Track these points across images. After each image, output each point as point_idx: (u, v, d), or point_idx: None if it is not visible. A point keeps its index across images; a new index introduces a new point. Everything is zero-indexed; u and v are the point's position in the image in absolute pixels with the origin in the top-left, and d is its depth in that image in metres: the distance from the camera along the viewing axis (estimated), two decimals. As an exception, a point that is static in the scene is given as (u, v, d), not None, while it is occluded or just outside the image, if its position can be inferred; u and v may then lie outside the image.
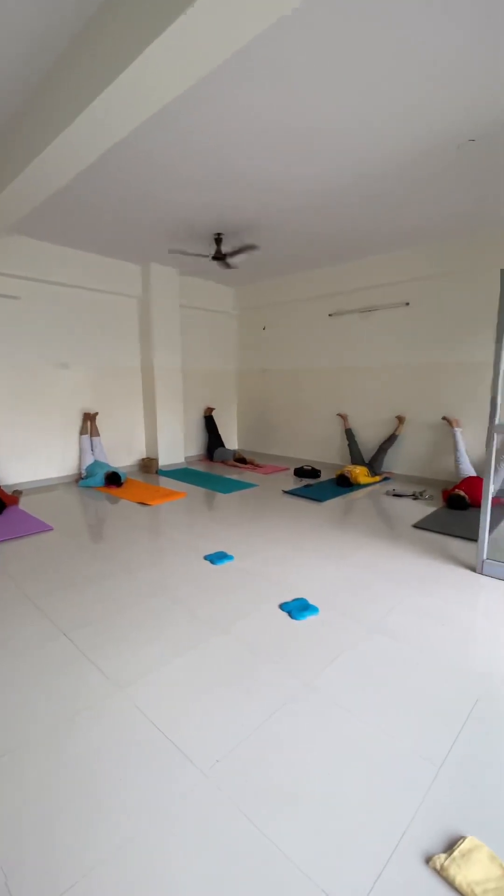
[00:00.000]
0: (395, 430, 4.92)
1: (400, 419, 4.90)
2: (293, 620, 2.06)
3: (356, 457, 5.15)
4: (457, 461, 4.28)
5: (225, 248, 4.38)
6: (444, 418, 4.60)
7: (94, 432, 5.00)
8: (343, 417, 5.45)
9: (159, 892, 0.97)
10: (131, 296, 5.23)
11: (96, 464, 4.82)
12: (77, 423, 5.00)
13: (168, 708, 1.52)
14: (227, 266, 4.30)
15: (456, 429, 4.41)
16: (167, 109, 2.24)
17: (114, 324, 5.23)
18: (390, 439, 4.91)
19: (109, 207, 3.52)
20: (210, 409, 6.42)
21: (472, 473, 4.14)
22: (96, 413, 5.07)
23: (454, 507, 3.75)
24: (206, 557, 2.77)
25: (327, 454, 5.69)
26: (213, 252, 4.26)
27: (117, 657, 1.80)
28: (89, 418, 4.99)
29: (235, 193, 3.28)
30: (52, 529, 3.33)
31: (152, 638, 1.93)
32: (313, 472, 5.10)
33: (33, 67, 2.09)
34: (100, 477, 4.57)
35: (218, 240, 4.15)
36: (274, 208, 3.55)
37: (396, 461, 5.01)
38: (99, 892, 0.97)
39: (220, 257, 4.17)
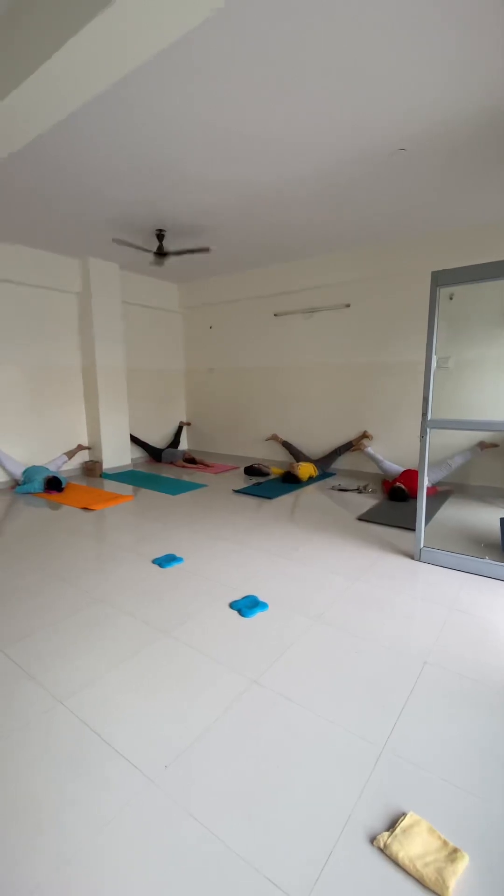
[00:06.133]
0: (355, 441, 4.96)
1: (365, 435, 4.93)
2: (243, 618, 2.06)
3: (300, 456, 5.27)
4: (383, 469, 4.57)
5: (170, 244, 4.31)
6: (353, 449, 4.90)
7: None
8: (274, 438, 5.63)
9: (103, 911, 0.94)
10: (70, 291, 5.00)
11: (34, 469, 4.55)
12: (12, 425, 4.69)
13: (113, 717, 1.46)
14: (159, 263, 4.20)
15: (366, 449, 4.75)
16: (100, 101, 2.17)
17: (51, 321, 4.96)
18: (346, 445, 5.02)
19: (43, 199, 3.34)
20: (185, 423, 6.70)
21: (400, 470, 4.38)
22: None
23: (395, 499, 3.93)
24: (154, 561, 2.70)
25: (278, 452, 5.76)
26: (155, 248, 4.16)
27: (58, 669, 1.70)
28: None
29: (174, 190, 3.23)
30: (-15, 540, 3.11)
31: (96, 646, 1.85)
32: (263, 471, 5.14)
33: None
34: (38, 482, 4.32)
35: (160, 236, 4.07)
36: (214, 207, 3.53)
37: (342, 457, 5.16)
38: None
39: (162, 253, 4.09)
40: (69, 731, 1.41)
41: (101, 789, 1.21)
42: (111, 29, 1.48)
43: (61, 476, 4.46)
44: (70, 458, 5.11)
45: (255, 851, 1.04)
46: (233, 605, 2.17)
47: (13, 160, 2.72)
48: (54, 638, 1.92)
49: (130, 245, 3.88)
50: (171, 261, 4.92)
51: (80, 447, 5.28)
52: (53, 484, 4.30)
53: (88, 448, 5.39)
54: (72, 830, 1.10)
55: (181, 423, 6.67)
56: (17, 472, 4.54)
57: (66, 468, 5.17)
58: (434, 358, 2.47)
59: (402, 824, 1.09)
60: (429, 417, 2.52)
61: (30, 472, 4.50)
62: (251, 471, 5.18)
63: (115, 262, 5.11)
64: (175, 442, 6.39)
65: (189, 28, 1.50)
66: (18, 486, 4.44)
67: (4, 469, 4.55)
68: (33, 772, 1.26)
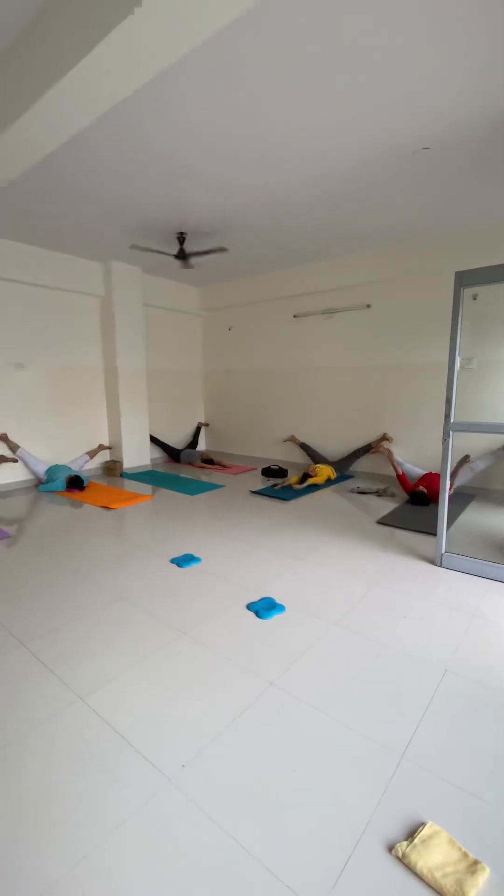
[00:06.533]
0: (375, 443, 4.90)
1: (384, 437, 4.87)
2: (260, 620, 2.06)
3: (318, 458, 5.24)
4: (404, 472, 4.47)
5: (190, 248, 4.35)
6: (373, 451, 4.84)
7: (14, 446, 4.57)
8: (291, 439, 5.61)
9: (121, 905, 0.95)
10: (93, 294, 5.09)
11: (57, 467, 4.65)
12: (37, 425, 4.82)
13: (132, 714, 1.48)
14: (188, 265, 4.26)
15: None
16: (119, 108, 2.21)
17: (74, 323, 5.08)
18: (365, 447, 4.96)
19: (66, 204, 3.42)
20: (203, 424, 6.75)
21: (420, 472, 4.31)
22: (5, 433, 4.55)
23: (417, 503, 3.87)
24: (172, 560, 2.73)
25: (295, 453, 5.74)
26: (175, 251, 4.21)
27: (78, 665, 1.74)
28: (2, 438, 4.53)
29: (194, 194, 3.27)
30: (9, 536, 3.19)
31: (116, 644, 1.88)
32: (281, 472, 5.14)
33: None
34: (61, 481, 4.42)
35: (181, 239, 4.11)
36: (234, 210, 3.55)
37: (361, 459, 5.11)
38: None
39: (182, 256, 4.13)
40: (88, 728, 1.43)
41: (119, 787, 1.22)
42: (138, 33, 1.50)
43: (83, 475, 4.55)
44: (92, 457, 5.20)
45: (272, 855, 1.04)
46: (250, 607, 2.17)
47: (40, 167, 2.79)
48: (75, 634, 1.95)
49: (148, 250, 3.93)
50: (192, 264, 4.97)
51: (102, 447, 5.37)
52: (75, 483, 4.39)
53: (109, 448, 5.48)
54: (89, 827, 1.11)
55: (199, 423, 6.72)
56: (41, 470, 4.65)
57: (88, 467, 5.27)
58: (457, 359, 2.43)
59: (421, 834, 1.07)
60: (452, 420, 2.47)
61: (52, 471, 4.60)
62: (269, 472, 5.18)
63: (138, 265, 5.19)
64: (193, 443, 6.44)
65: (215, 30, 1.50)
66: (42, 484, 4.55)
67: (28, 468, 4.67)
68: (53, 767, 1.29)
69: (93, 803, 1.17)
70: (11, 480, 4.62)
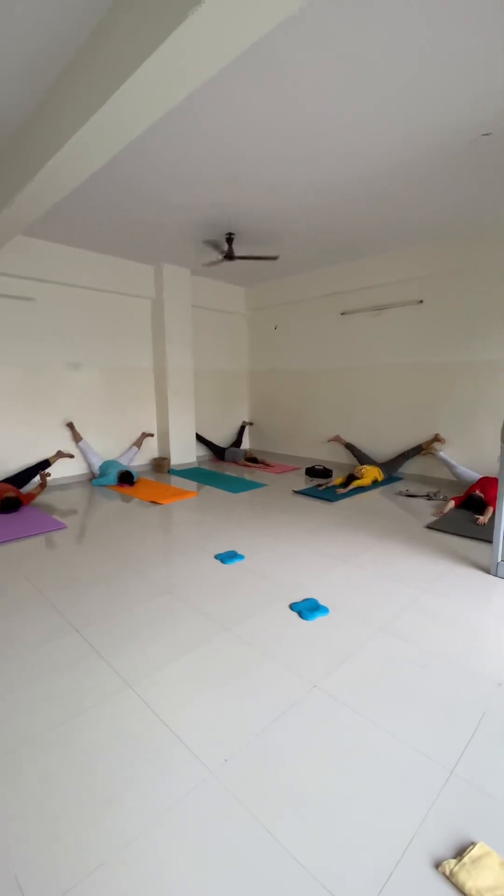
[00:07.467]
0: (426, 444, 4.73)
1: (436, 438, 4.68)
2: (303, 621, 2.05)
3: (364, 459, 5.12)
4: (456, 475, 4.36)
5: (238, 248, 4.40)
6: (424, 453, 4.70)
7: (78, 437, 4.86)
8: (336, 439, 5.54)
9: (162, 892, 0.98)
10: (144, 297, 5.27)
11: (109, 463, 4.87)
12: (89, 421, 5.06)
13: (177, 705, 1.53)
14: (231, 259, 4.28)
15: (438, 453, 4.55)
16: (173, 112, 2.26)
17: (127, 325, 5.28)
18: (415, 449, 4.80)
19: (120, 209, 3.56)
20: (247, 423, 6.87)
21: (476, 476, 4.12)
22: (71, 422, 4.90)
23: (471, 509, 3.67)
24: (216, 556, 2.78)
25: (340, 454, 5.65)
26: (224, 252, 4.26)
27: (128, 654, 1.81)
28: (69, 426, 4.88)
29: (244, 194, 3.29)
30: (65, 527, 3.38)
31: (163, 635, 1.94)
32: (325, 472, 5.07)
33: (44, 71, 2.12)
34: (113, 476, 4.62)
35: (229, 239, 4.16)
36: (284, 207, 3.54)
37: (411, 461, 4.94)
38: (101, 892, 0.98)
39: (231, 257, 4.17)
40: (136, 715, 1.49)
41: (164, 775, 1.26)
42: (190, 38, 1.52)
43: (133, 471, 4.73)
44: (139, 447, 5.39)
45: (313, 859, 1.04)
46: (293, 607, 2.17)
47: (94, 179, 2.93)
48: (124, 624, 2.04)
49: (217, 249, 3.98)
50: (239, 264, 5.02)
51: (145, 434, 5.52)
52: (126, 478, 4.58)
53: (151, 435, 5.62)
54: (135, 812, 1.15)
55: (244, 422, 6.77)
56: (96, 463, 4.90)
57: (137, 464, 5.46)
58: (518, 357, 2.29)
59: (471, 853, 1.02)
60: (510, 421, 2.33)
61: (105, 466, 4.83)
62: (313, 472, 5.13)
63: (188, 267, 5.31)
64: (238, 441, 6.51)
65: (267, 29, 1.50)
66: (95, 478, 4.78)
67: (86, 459, 4.93)
68: (103, 750, 1.35)
69: (141, 789, 1.22)
70: (67, 474, 4.89)
